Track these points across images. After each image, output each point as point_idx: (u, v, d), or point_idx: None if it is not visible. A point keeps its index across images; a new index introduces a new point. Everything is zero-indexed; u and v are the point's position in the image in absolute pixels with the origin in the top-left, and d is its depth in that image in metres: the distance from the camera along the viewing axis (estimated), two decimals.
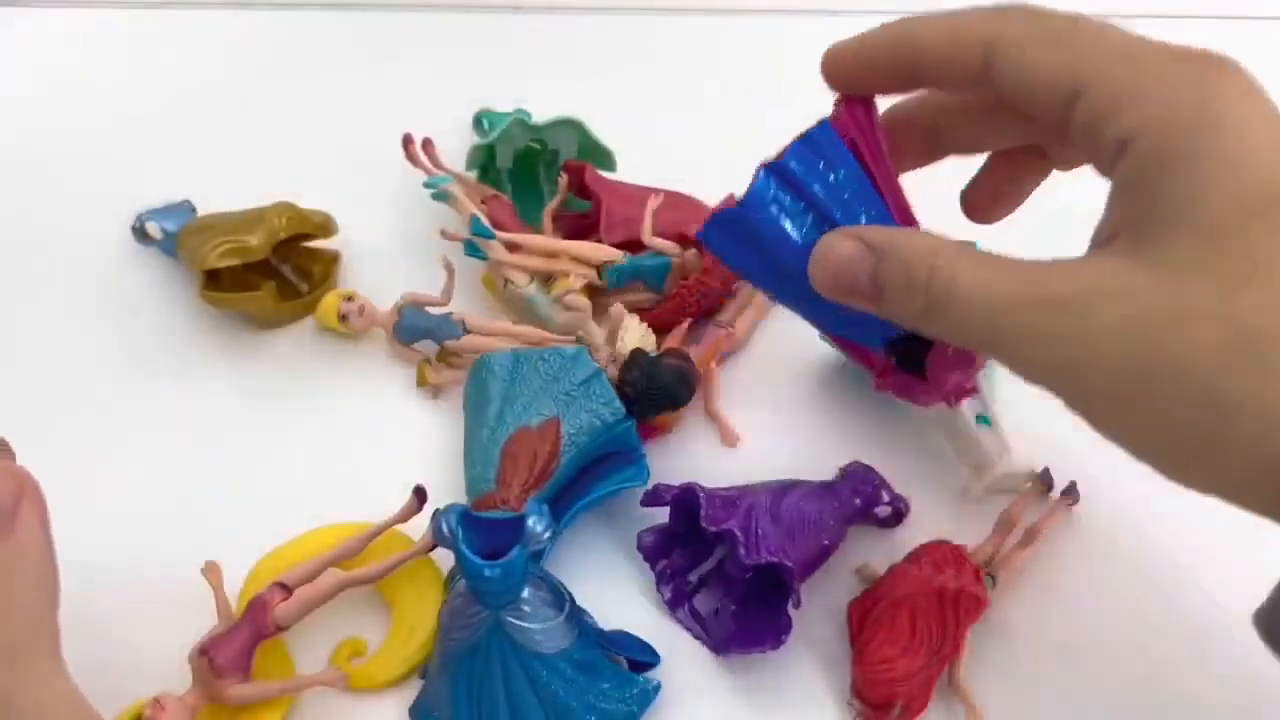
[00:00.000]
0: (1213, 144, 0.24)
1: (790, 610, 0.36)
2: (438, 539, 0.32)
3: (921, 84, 0.30)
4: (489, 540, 0.32)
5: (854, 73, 0.31)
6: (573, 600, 0.35)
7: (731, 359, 0.47)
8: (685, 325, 0.46)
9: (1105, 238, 0.26)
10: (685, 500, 0.39)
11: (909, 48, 0.29)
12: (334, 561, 0.38)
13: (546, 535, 0.32)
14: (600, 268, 0.47)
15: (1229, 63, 0.25)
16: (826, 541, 0.38)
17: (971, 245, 0.27)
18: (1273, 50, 0.66)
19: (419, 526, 0.39)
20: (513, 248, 0.46)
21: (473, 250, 0.46)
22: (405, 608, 0.38)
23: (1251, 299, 0.23)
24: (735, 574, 0.39)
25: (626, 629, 0.39)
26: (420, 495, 0.39)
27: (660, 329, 0.46)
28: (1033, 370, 0.26)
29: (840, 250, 0.28)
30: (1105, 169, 0.26)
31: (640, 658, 0.37)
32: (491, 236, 0.45)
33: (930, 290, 0.26)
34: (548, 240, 0.47)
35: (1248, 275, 0.23)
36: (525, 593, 0.33)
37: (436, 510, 0.33)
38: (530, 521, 0.32)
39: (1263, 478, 0.23)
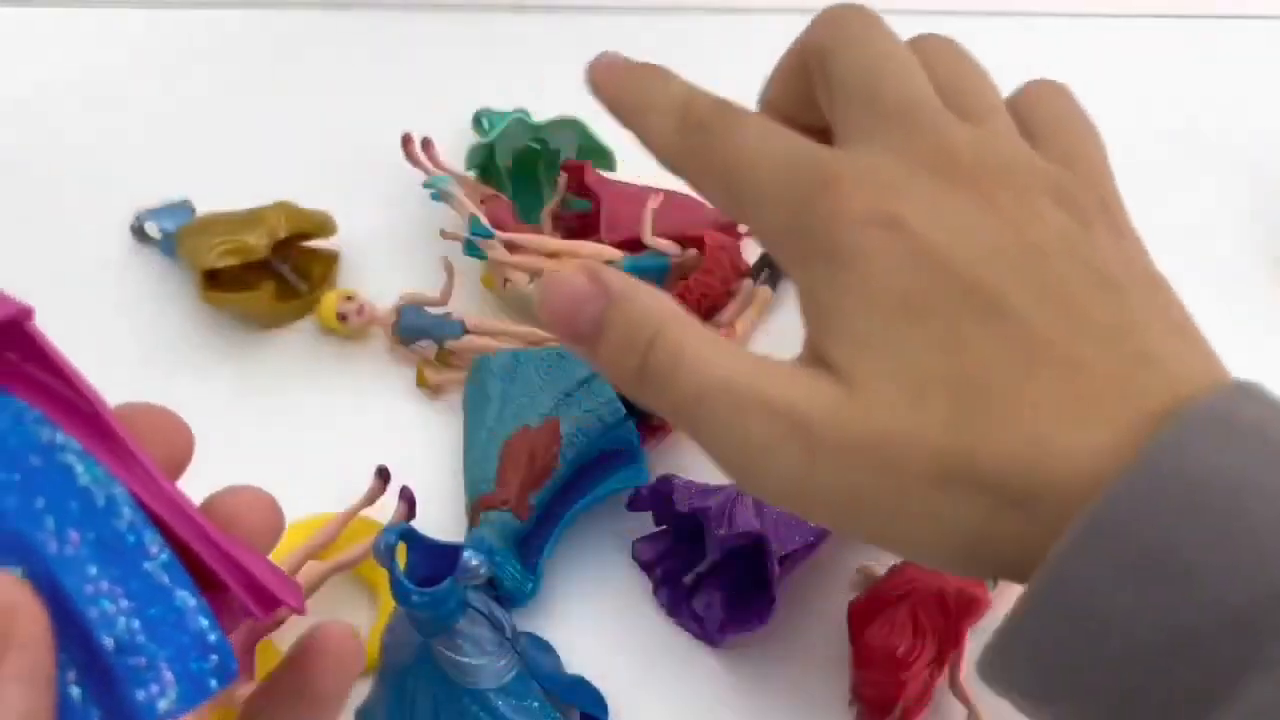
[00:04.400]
0: (838, 277, 0.24)
1: (775, 589, 0.36)
2: (376, 557, 0.31)
3: None
4: (433, 565, 0.31)
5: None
6: (515, 639, 0.34)
7: None
8: None
9: (809, 353, 0.26)
10: (664, 494, 0.39)
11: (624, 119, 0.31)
12: (312, 553, 0.38)
13: (483, 572, 0.31)
14: None
15: (833, 179, 0.25)
16: (813, 524, 0.38)
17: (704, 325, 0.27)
18: (1273, 50, 0.66)
19: (388, 509, 0.39)
20: (513, 248, 0.46)
21: (472, 250, 0.46)
22: (387, 589, 0.38)
23: (934, 414, 0.23)
24: (715, 556, 0.39)
25: (624, 630, 0.39)
26: (384, 476, 0.39)
27: None
28: (752, 483, 0.26)
29: (572, 284, 0.26)
30: None
31: (587, 708, 0.37)
32: (491, 236, 0.45)
33: (651, 353, 0.25)
34: (548, 240, 0.47)
35: (922, 388, 0.23)
36: (461, 625, 0.32)
37: (382, 530, 0.32)
38: (465, 555, 0.30)
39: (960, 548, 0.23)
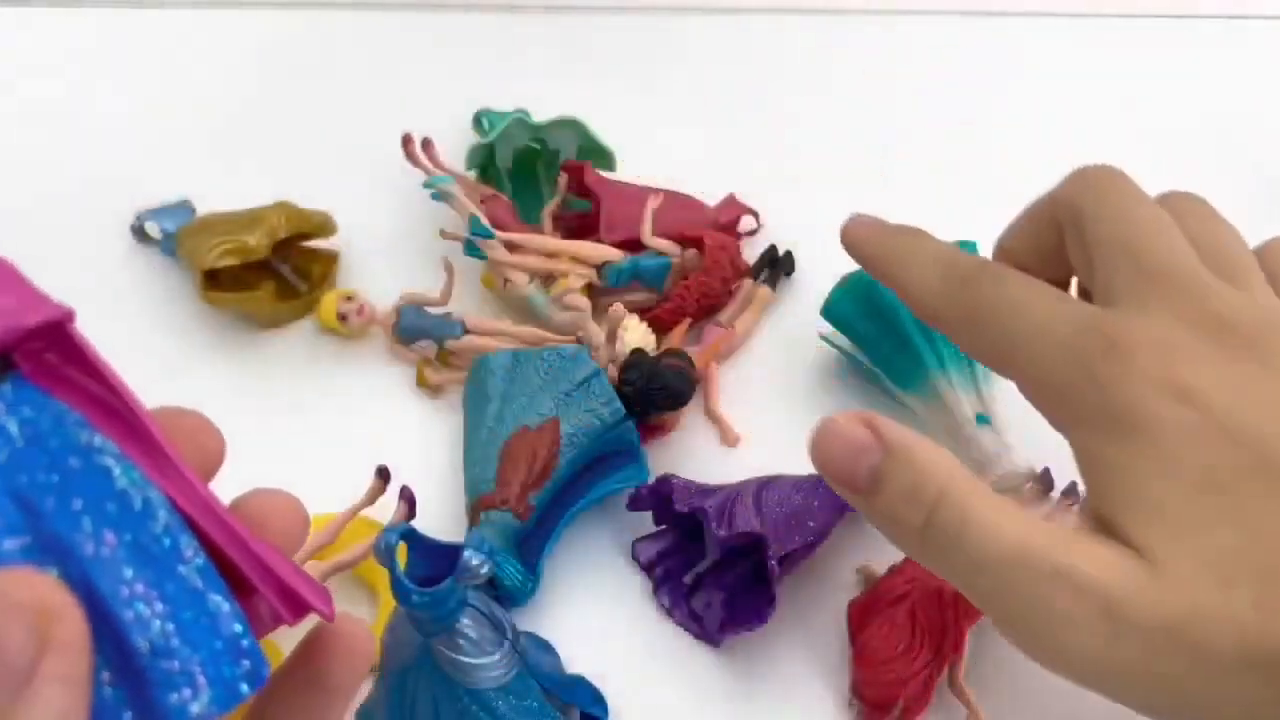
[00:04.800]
0: (1132, 446, 0.24)
1: (775, 587, 0.36)
2: (377, 557, 0.31)
3: None
4: (433, 564, 0.31)
5: (854, 253, 0.32)
6: (515, 639, 0.34)
7: (731, 359, 0.47)
8: (685, 325, 0.46)
9: (1093, 515, 0.25)
10: (664, 494, 0.39)
11: (877, 273, 0.32)
12: (313, 552, 0.38)
13: (484, 572, 0.30)
14: (600, 268, 0.47)
15: (1124, 346, 0.25)
16: (813, 524, 0.38)
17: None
18: (1273, 50, 0.66)
19: (388, 508, 0.39)
20: (512, 248, 0.46)
21: (472, 250, 0.46)
22: (387, 589, 0.38)
23: (1241, 598, 0.23)
24: (715, 556, 0.39)
25: (624, 630, 0.39)
26: (384, 476, 0.39)
27: (660, 329, 0.46)
28: (1045, 655, 0.25)
29: (851, 433, 0.26)
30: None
31: (587, 708, 0.37)
32: (491, 236, 0.45)
33: (936, 514, 0.25)
34: (548, 240, 0.47)
35: (1225, 574, 0.23)
36: (461, 624, 0.32)
37: (382, 529, 0.32)
38: (466, 555, 0.30)
39: None
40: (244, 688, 0.18)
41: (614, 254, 0.47)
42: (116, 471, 0.17)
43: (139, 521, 0.17)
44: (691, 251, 0.47)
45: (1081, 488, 0.37)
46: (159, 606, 0.17)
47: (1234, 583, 0.23)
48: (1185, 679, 0.23)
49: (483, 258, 0.46)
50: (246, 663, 0.18)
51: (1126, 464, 0.24)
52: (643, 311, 0.46)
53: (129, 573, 0.17)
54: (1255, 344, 0.25)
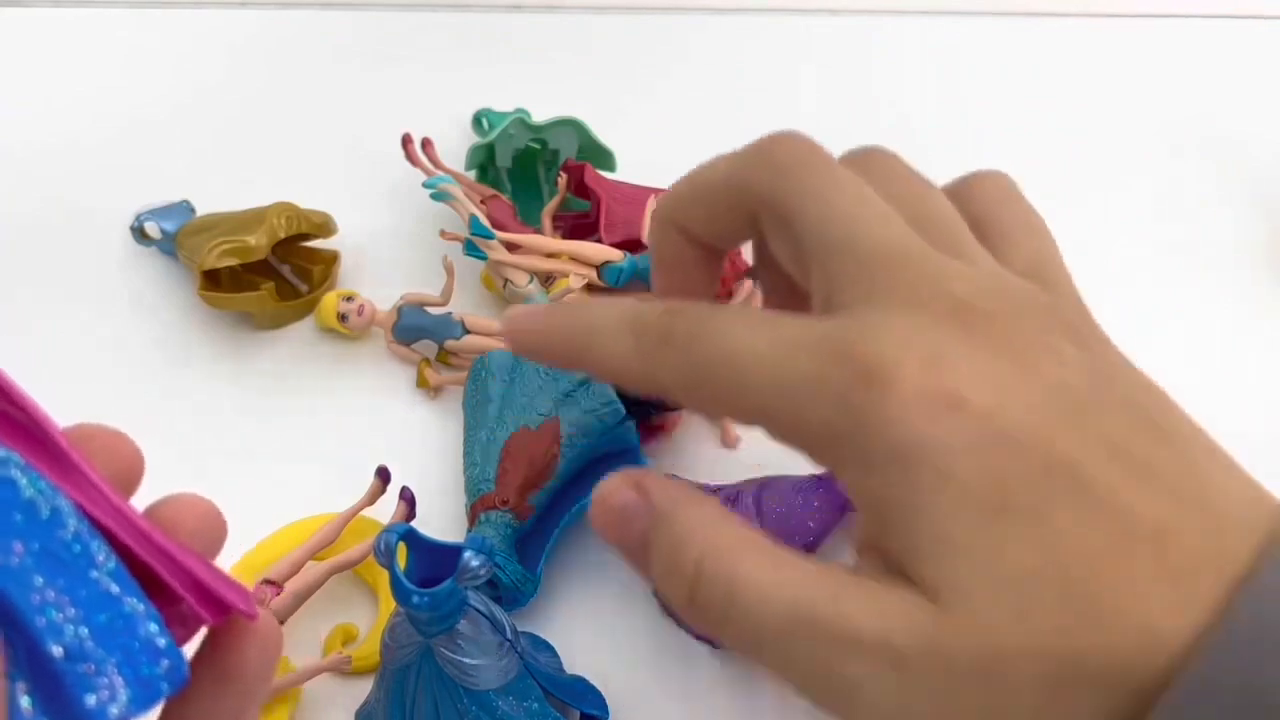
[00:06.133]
0: (913, 482, 0.21)
1: None
2: (377, 557, 0.31)
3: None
4: (433, 565, 0.31)
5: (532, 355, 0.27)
6: (515, 640, 0.34)
7: None
8: None
9: (869, 551, 0.23)
10: None
11: (569, 363, 0.26)
12: (313, 552, 0.38)
13: (484, 572, 0.31)
14: (600, 268, 0.47)
15: (880, 374, 0.22)
16: (812, 524, 0.38)
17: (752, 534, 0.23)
18: (1273, 50, 0.66)
19: (388, 509, 0.39)
20: (512, 248, 0.46)
21: (472, 250, 0.46)
22: (387, 589, 0.38)
23: (1042, 621, 0.21)
24: None
25: (624, 630, 0.39)
26: (384, 476, 0.39)
27: None
28: (818, 705, 0.22)
29: (616, 498, 0.23)
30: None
31: (587, 709, 0.36)
32: (491, 236, 0.45)
33: (698, 586, 0.22)
34: (548, 240, 0.47)
35: (1023, 591, 0.21)
36: (462, 625, 0.32)
37: (382, 530, 0.32)
38: (466, 556, 0.30)
39: None
40: (164, 686, 0.18)
41: (614, 254, 0.47)
42: (22, 482, 0.17)
43: (47, 530, 0.17)
44: None
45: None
46: (71, 611, 0.17)
47: (1031, 606, 0.21)
48: (989, 716, 0.21)
49: (483, 258, 0.46)
50: (165, 662, 0.18)
51: (908, 499, 0.22)
52: None
53: (39, 580, 0.17)
54: (997, 328, 0.23)
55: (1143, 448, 0.22)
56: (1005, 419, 0.22)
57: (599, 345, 0.25)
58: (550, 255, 0.46)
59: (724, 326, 0.23)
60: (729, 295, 0.48)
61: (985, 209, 0.26)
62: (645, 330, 0.24)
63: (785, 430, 0.23)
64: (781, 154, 0.25)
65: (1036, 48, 0.65)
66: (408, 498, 0.39)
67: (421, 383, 0.46)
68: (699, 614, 0.22)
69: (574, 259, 0.46)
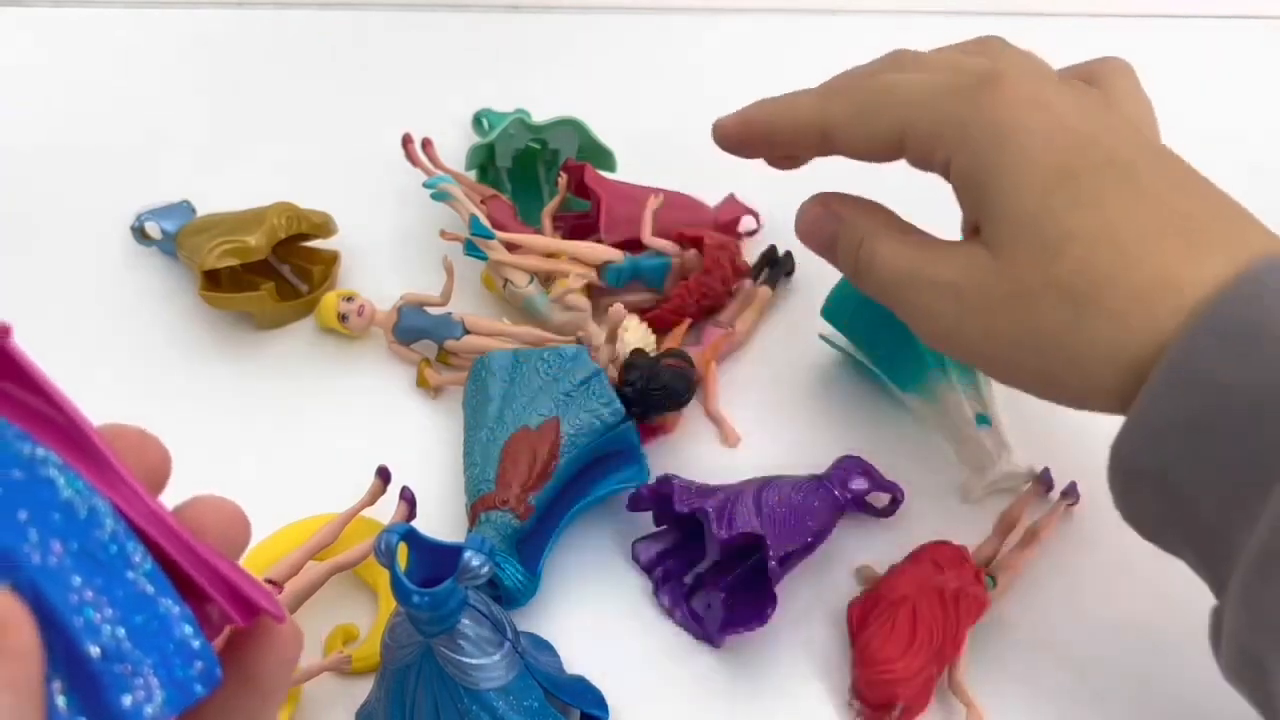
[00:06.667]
0: (1001, 152, 0.31)
1: (775, 587, 0.36)
2: (378, 557, 0.31)
3: (786, 153, 0.39)
4: (433, 565, 0.31)
5: (736, 145, 0.39)
6: (516, 639, 0.34)
7: (731, 359, 0.47)
8: (685, 325, 0.46)
9: (970, 227, 0.33)
10: (664, 494, 0.39)
11: (767, 133, 0.38)
12: (313, 552, 0.38)
13: (484, 572, 0.30)
14: (600, 268, 0.47)
15: (995, 75, 0.32)
16: (812, 524, 0.38)
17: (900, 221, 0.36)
18: (1273, 50, 0.66)
19: (389, 509, 0.39)
20: (512, 247, 0.46)
21: (472, 250, 0.46)
22: (387, 589, 0.38)
23: (1065, 265, 0.29)
24: (715, 556, 0.39)
25: (624, 630, 0.39)
26: (384, 476, 0.39)
27: (660, 329, 0.46)
28: (923, 337, 0.34)
29: (810, 213, 0.37)
30: (945, 177, 0.34)
31: (587, 709, 0.36)
32: (491, 237, 0.45)
33: (859, 258, 0.35)
34: (548, 240, 0.47)
35: (1058, 245, 0.30)
36: (462, 625, 0.32)
37: (383, 530, 0.32)
38: (466, 555, 0.30)
39: (1108, 391, 0.30)
40: (198, 688, 0.18)
41: (614, 254, 0.47)
42: (61, 482, 0.17)
43: (85, 530, 0.17)
44: (691, 252, 0.47)
45: (1082, 486, 0.38)
46: (109, 611, 0.17)
47: (1063, 256, 0.30)
48: (1020, 335, 0.30)
49: (483, 258, 0.46)
50: (199, 663, 0.18)
51: (995, 172, 0.31)
52: (643, 312, 0.46)
53: (77, 580, 0.17)
54: (1087, 89, 0.33)
55: (1184, 171, 0.31)
56: (1081, 123, 0.31)
57: (789, 107, 0.37)
58: (550, 255, 0.47)
59: (895, 71, 0.35)
60: (729, 296, 0.48)
61: (1103, 83, 0.35)
62: (829, 85, 0.37)
63: (928, 126, 0.33)
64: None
65: (1036, 48, 0.65)
66: (408, 498, 0.39)
67: (421, 383, 0.46)
68: (860, 274, 0.35)
69: (574, 259, 0.46)
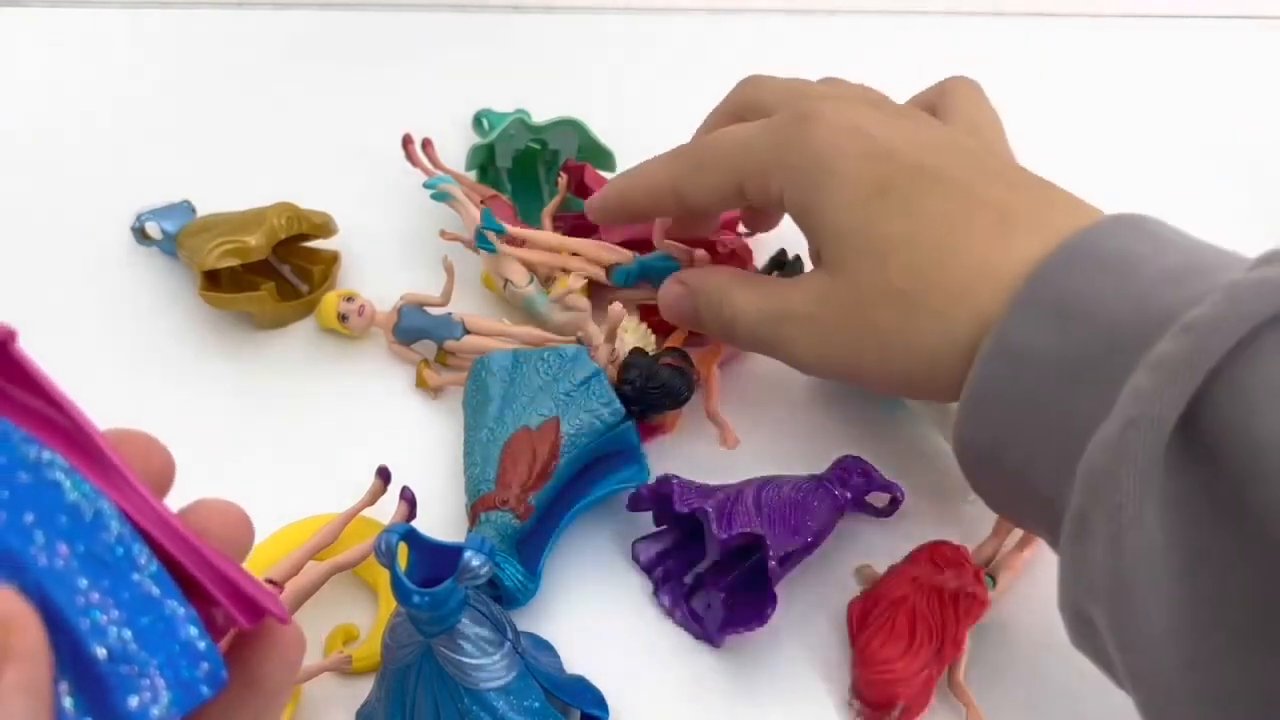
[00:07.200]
0: (824, 175, 0.34)
1: (775, 587, 0.36)
2: (378, 557, 0.31)
3: (651, 217, 0.44)
4: (434, 565, 0.31)
5: (608, 219, 0.43)
6: (516, 639, 0.34)
7: (732, 360, 0.47)
8: (686, 331, 0.46)
9: (813, 255, 0.37)
10: (664, 494, 0.39)
11: (625, 203, 0.42)
12: (313, 553, 0.38)
13: (485, 572, 0.30)
14: (609, 268, 0.46)
15: (813, 111, 0.35)
16: (811, 523, 0.38)
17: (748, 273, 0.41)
18: (1273, 50, 0.66)
19: (389, 509, 0.39)
20: (517, 243, 0.46)
21: (483, 242, 0.45)
22: (388, 589, 0.38)
23: (892, 271, 0.32)
24: (715, 556, 0.39)
25: (624, 630, 0.39)
26: (384, 476, 0.39)
27: (663, 330, 0.46)
28: (796, 367, 0.36)
29: (670, 292, 0.40)
30: (784, 210, 0.37)
31: (587, 709, 0.36)
32: (503, 231, 0.45)
33: (721, 317, 0.38)
34: (557, 237, 0.47)
35: (883, 253, 0.32)
36: (462, 625, 0.32)
37: (383, 530, 0.32)
38: (466, 555, 0.30)
39: (955, 382, 0.31)
40: (204, 689, 0.18)
41: (623, 255, 0.46)
42: (67, 485, 0.17)
43: (91, 532, 0.17)
44: (701, 253, 0.46)
45: None
46: (115, 613, 0.17)
47: (889, 261, 0.32)
48: (864, 338, 0.33)
49: (492, 250, 0.45)
50: (205, 665, 0.18)
51: (819, 198, 0.34)
52: (647, 309, 0.46)
53: (84, 582, 0.17)
54: (900, 111, 0.37)
55: (994, 166, 0.33)
56: (891, 143, 0.34)
57: (641, 178, 0.42)
58: (558, 251, 0.46)
59: (720, 129, 0.39)
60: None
61: (943, 99, 0.39)
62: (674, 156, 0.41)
63: (756, 167, 0.36)
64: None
65: (1037, 48, 0.65)
66: (408, 498, 0.39)
67: (421, 383, 0.46)
68: (728, 333, 0.38)
69: (583, 256, 0.46)
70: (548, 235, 0.47)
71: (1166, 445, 0.25)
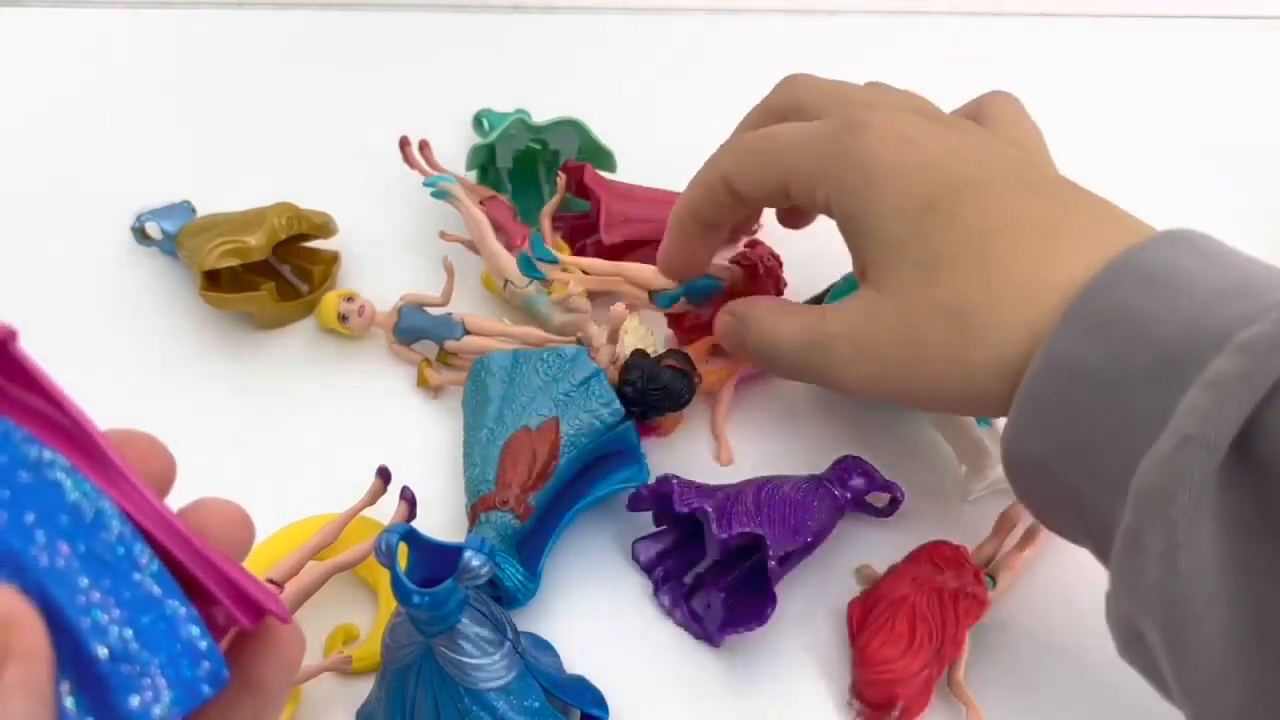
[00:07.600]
0: (871, 188, 0.33)
1: (775, 587, 0.36)
2: (378, 557, 0.31)
3: (721, 222, 0.41)
4: (434, 565, 0.31)
5: (683, 271, 0.43)
6: (516, 639, 0.34)
7: (754, 381, 0.47)
8: (710, 342, 0.45)
9: (858, 268, 0.35)
10: (664, 494, 0.39)
11: (692, 204, 0.40)
12: (313, 553, 0.38)
13: (485, 572, 0.30)
14: (652, 294, 0.45)
15: (863, 120, 0.34)
16: (811, 523, 0.38)
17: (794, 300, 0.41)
18: (1273, 50, 0.66)
19: (389, 509, 0.39)
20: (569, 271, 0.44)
21: (530, 270, 0.44)
22: (388, 589, 0.38)
23: (940, 286, 0.31)
24: (715, 556, 0.39)
25: (624, 630, 0.39)
26: (384, 476, 0.39)
27: (690, 339, 0.46)
28: (842, 392, 0.35)
29: (721, 323, 0.40)
30: (830, 216, 0.36)
31: (587, 709, 0.36)
32: (555, 260, 0.43)
33: (763, 344, 0.37)
34: (611, 265, 0.44)
35: (931, 268, 0.32)
36: (462, 625, 0.32)
37: (383, 530, 0.32)
38: (466, 555, 0.30)
39: (1003, 398, 0.31)
40: (205, 689, 0.18)
41: (667, 281, 0.45)
42: (68, 484, 0.17)
43: (92, 532, 0.17)
44: (739, 271, 0.46)
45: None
46: (116, 613, 0.17)
47: (938, 275, 0.31)
48: (913, 357, 0.32)
49: (541, 277, 0.44)
50: (206, 664, 0.18)
51: (867, 206, 0.33)
52: (676, 317, 0.46)
53: (85, 582, 0.17)
54: (949, 121, 0.36)
55: (1044, 184, 0.33)
56: (941, 156, 0.33)
57: (705, 173, 0.40)
58: (607, 276, 0.44)
59: (772, 126, 0.38)
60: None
61: (984, 113, 0.38)
62: (730, 144, 0.40)
63: (800, 174, 0.35)
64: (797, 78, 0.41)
65: (1037, 48, 0.65)
66: (408, 498, 0.39)
67: (421, 383, 0.46)
68: (771, 360, 0.37)
69: (630, 282, 0.44)
70: (601, 263, 0.44)
71: (1220, 463, 0.25)
